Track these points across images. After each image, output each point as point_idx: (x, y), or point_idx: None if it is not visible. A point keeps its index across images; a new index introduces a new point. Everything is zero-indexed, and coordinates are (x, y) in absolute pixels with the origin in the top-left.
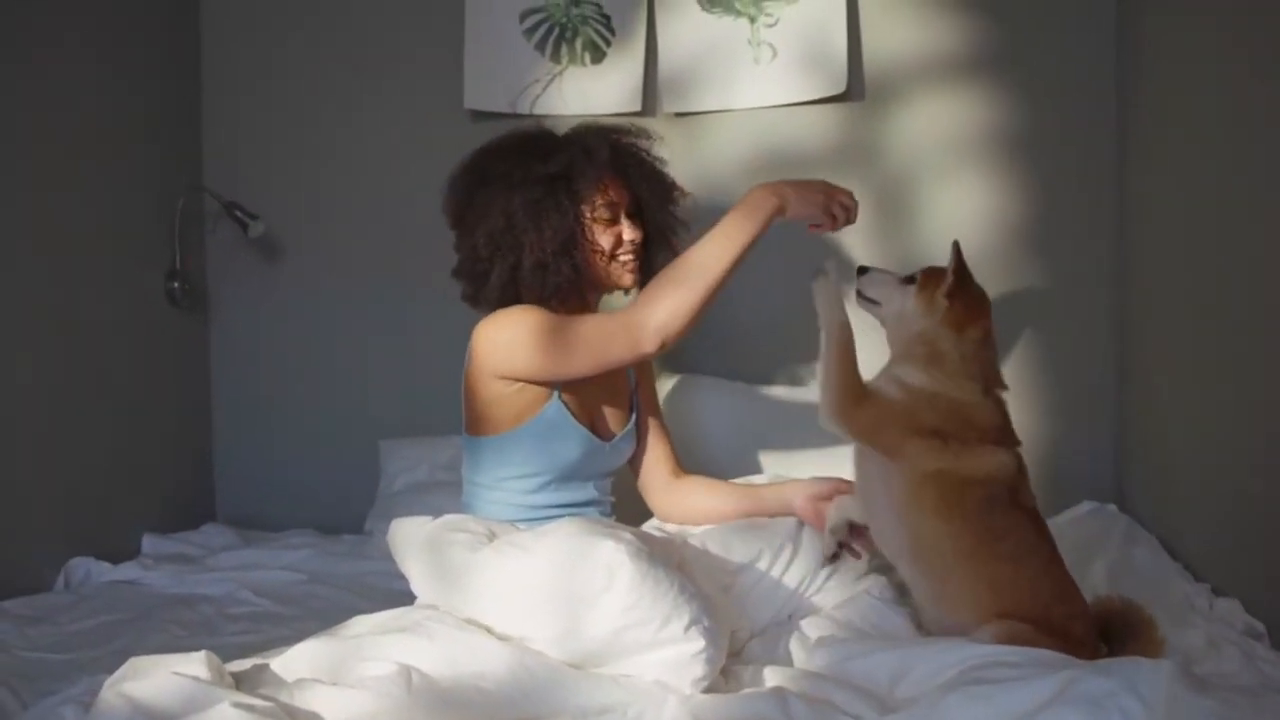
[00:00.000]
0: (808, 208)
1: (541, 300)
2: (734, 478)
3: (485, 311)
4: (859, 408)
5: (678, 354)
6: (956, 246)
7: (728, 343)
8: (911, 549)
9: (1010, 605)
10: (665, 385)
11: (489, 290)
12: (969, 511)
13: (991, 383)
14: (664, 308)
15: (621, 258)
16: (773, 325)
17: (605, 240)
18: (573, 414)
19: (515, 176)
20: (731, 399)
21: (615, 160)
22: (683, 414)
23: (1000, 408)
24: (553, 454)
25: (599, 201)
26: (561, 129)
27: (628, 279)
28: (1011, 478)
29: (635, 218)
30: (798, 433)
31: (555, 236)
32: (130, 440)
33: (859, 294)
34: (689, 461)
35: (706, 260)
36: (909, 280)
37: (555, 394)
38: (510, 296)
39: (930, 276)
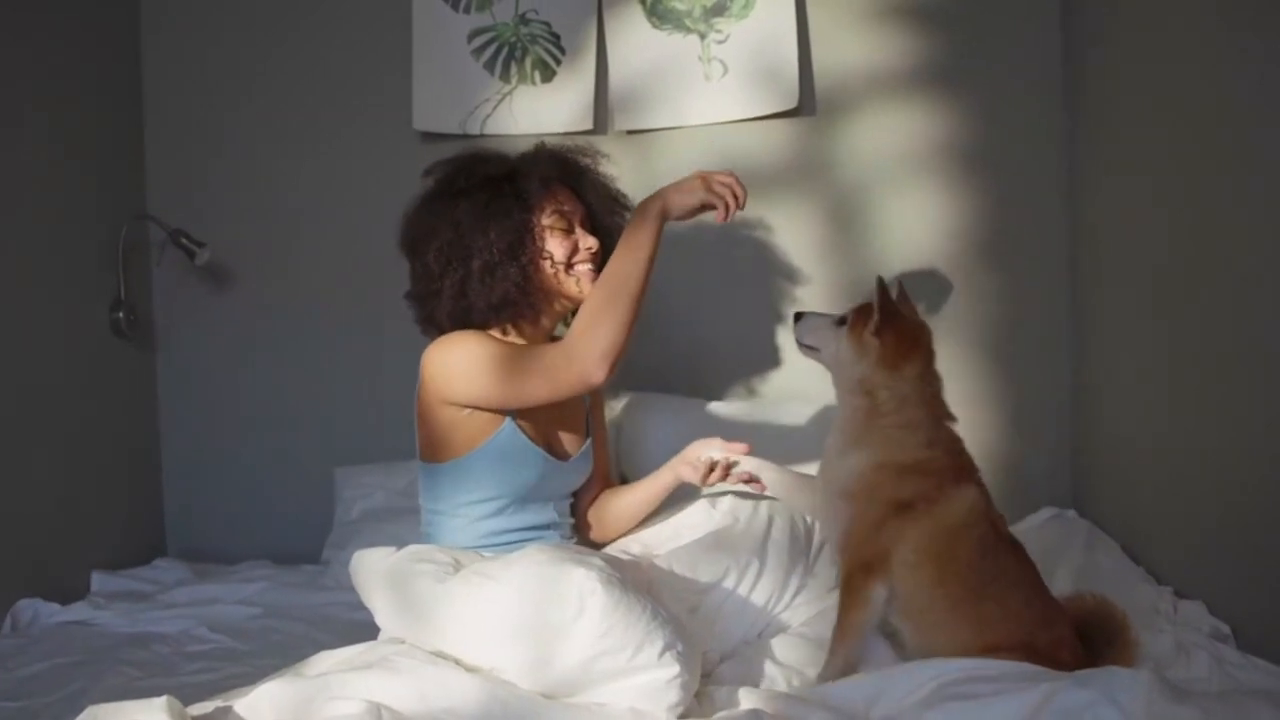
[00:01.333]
0: (688, 199)
1: (491, 310)
2: (687, 494)
3: (436, 335)
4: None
5: (630, 371)
6: (880, 282)
7: (680, 359)
8: (902, 610)
9: (996, 639)
10: (618, 403)
11: (440, 308)
12: (961, 567)
13: (938, 419)
14: (602, 334)
15: (579, 267)
16: (726, 341)
17: (559, 249)
18: (528, 436)
19: (460, 185)
20: (685, 415)
21: (563, 171)
22: (636, 431)
23: (952, 444)
24: (510, 477)
25: (549, 208)
26: (513, 149)
27: (588, 289)
28: (986, 508)
29: (590, 231)
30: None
31: (502, 238)
32: (77, 475)
33: (798, 342)
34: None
35: (623, 277)
36: (842, 321)
37: (509, 417)
38: (461, 310)
39: (860, 315)
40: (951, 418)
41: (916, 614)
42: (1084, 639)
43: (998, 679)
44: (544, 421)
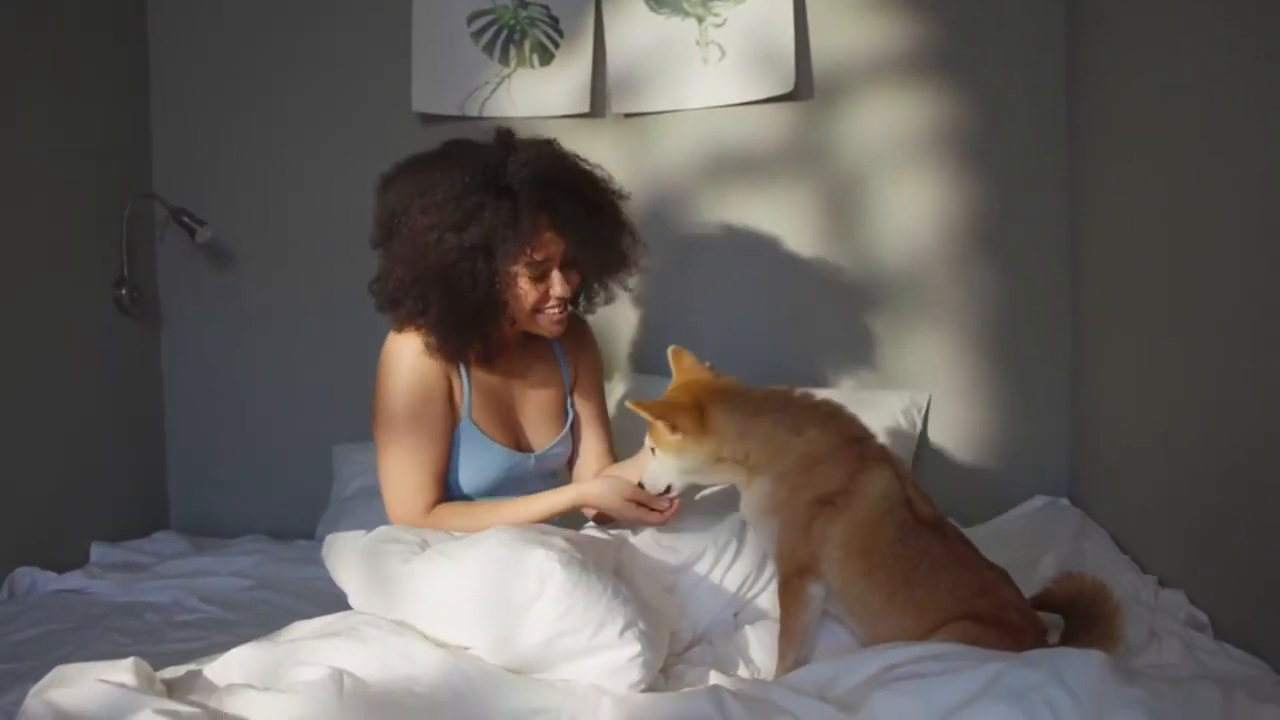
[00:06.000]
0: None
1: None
2: None
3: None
4: (803, 575)
5: (624, 357)
6: (633, 405)
7: (675, 344)
8: (842, 606)
9: (936, 619)
10: (622, 386)
11: (399, 314)
12: (885, 556)
13: (784, 408)
14: (431, 525)
15: (547, 311)
16: (719, 327)
17: (531, 293)
18: (486, 433)
19: (429, 237)
20: None
21: (550, 216)
22: (631, 416)
23: (818, 417)
24: (472, 472)
25: (523, 261)
26: (521, 130)
27: (552, 330)
28: (899, 490)
29: (570, 266)
30: None
31: (468, 302)
32: (80, 449)
33: (660, 496)
34: None
35: (506, 524)
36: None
37: (465, 416)
38: (414, 324)
39: (653, 433)
40: (804, 393)
41: (856, 609)
42: (1066, 617)
43: (948, 658)
44: (507, 418)
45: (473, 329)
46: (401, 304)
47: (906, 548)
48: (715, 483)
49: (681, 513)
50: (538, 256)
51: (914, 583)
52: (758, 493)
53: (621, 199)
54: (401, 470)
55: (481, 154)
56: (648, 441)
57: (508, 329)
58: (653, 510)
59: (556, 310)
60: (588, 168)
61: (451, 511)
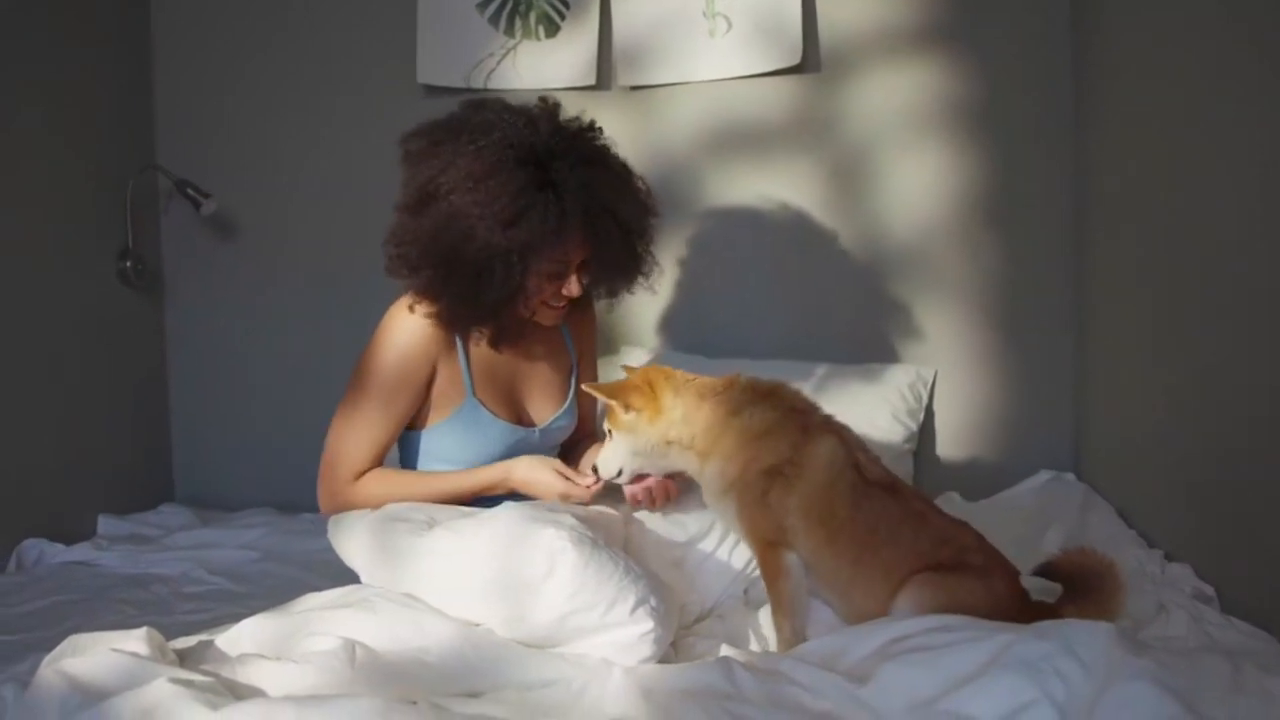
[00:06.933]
0: (536, 491)
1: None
2: None
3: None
4: (774, 546)
5: (630, 328)
6: (590, 387)
7: (680, 316)
8: (817, 580)
9: (903, 575)
10: (628, 359)
11: (415, 280)
12: (843, 521)
13: (729, 388)
14: (367, 502)
15: (552, 304)
16: (724, 298)
17: (545, 289)
18: (491, 411)
19: (478, 227)
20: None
21: (589, 229)
22: None
23: (768, 399)
24: (477, 449)
25: (552, 261)
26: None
27: (548, 321)
28: (846, 455)
29: (584, 266)
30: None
31: (490, 297)
32: (85, 422)
33: (626, 483)
34: None
35: (431, 496)
36: (608, 434)
37: (469, 393)
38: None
39: (610, 416)
40: (750, 378)
41: (829, 579)
42: (1066, 588)
43: (956, 629)
44: (511, 394)
45: (487, 316)
46: (419, 271)
47: (863, 511)
48: (668, 468)
49: (687, 491)
50: (568, 257)
51: (876, 545)
52: (710, 476)
53: (655, 216)
54: (350, 435)
55: (528, 133)
56: (606, 425)
57: (522, 315)
58: (577, 485)
59: (562, 306)
60: (629, 179)
61: (378, 479)
